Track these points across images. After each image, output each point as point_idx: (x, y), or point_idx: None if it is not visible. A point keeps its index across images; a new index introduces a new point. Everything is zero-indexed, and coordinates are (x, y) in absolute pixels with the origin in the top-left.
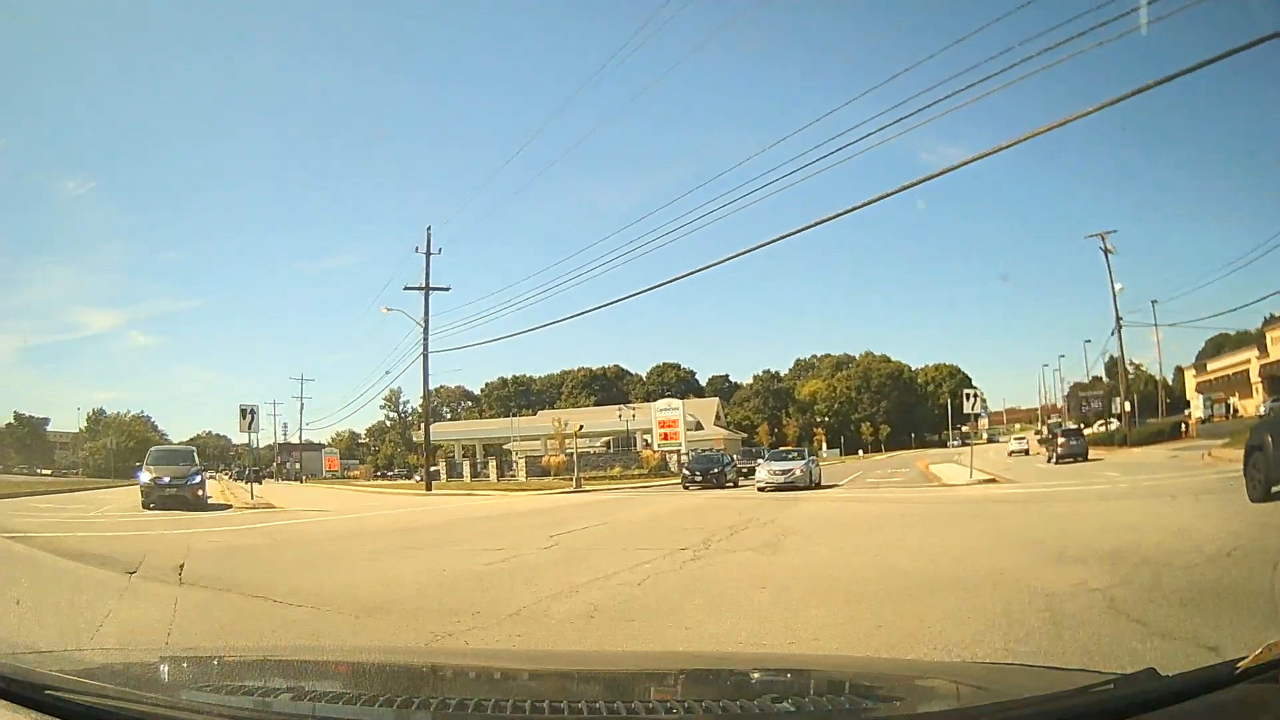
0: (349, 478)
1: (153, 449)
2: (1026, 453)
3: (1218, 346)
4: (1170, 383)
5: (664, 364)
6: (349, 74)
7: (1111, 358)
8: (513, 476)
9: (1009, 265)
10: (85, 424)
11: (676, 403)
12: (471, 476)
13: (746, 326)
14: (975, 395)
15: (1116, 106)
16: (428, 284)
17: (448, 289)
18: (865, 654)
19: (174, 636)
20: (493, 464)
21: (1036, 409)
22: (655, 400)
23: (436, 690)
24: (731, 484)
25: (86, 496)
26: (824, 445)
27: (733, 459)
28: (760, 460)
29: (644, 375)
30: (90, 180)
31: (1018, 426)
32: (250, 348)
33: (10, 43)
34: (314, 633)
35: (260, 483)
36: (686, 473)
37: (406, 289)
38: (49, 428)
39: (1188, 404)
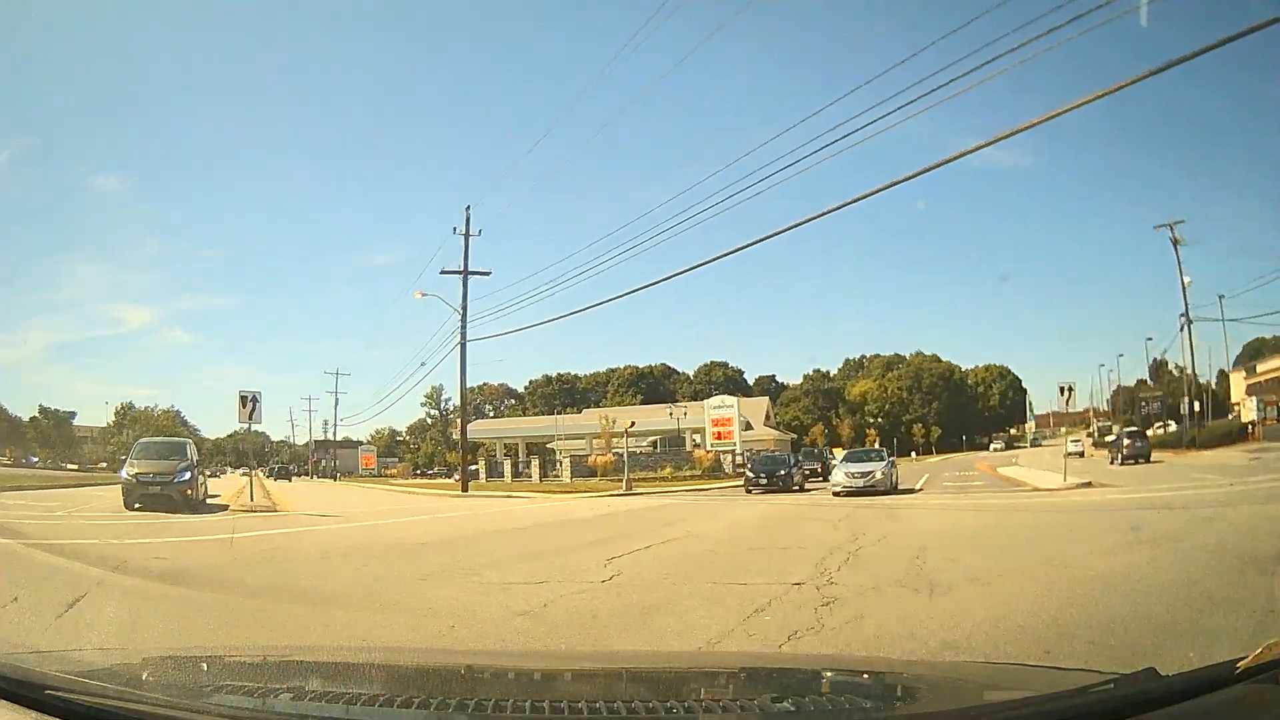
0: (386, 476)
1: (140, 441)
2: (1082, 454)
3: (1255, 351)
4: (1213, 386)
5: (711, 363)
6: (388, 68)
7: (1155, 360)
8: (556, 477)
9: (1048, 267)
10: (113, 418)
11: (731, 400)
12: (513, 476)
13: (791, 327)
14: (1069, 390)
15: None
16: (466, 267)
17: (488, 273)
18: None
19: None
20: (535, 463)
21: (1082, 411)
22: (703, 399)
23: (437, 690)
24: (798, 488)
25: (79, 494)
26: (878, 447)
27: (797, 460)
28: (835, 461)
29: (691, 374)
30: (127, 177)
31: (1063, 430)
32: (288, 344)
33: (44, 41)
34: None
35: (294, 480)
36: (750, 475)
37: (444, 273)
38: (76, 422)
39: (1232, 408)
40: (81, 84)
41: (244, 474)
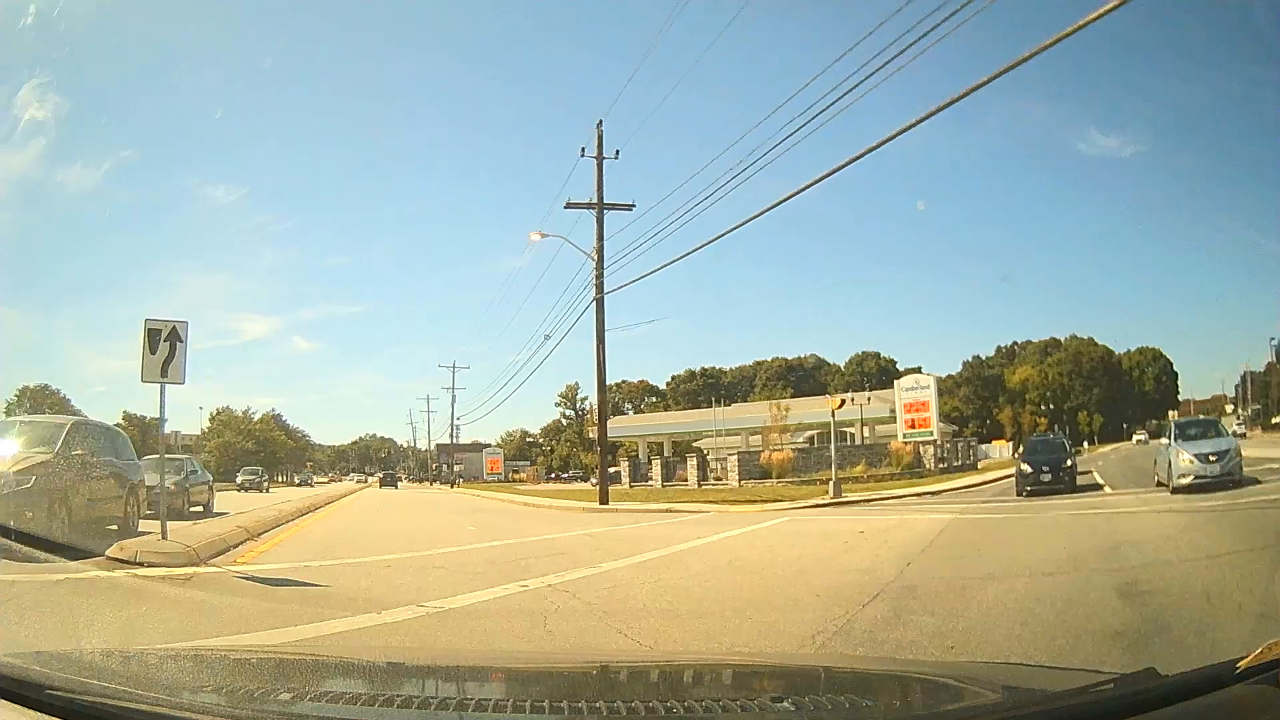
0: (514, 481)
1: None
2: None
3: None
4: None
5: (863, 353)
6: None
7: (1277, 346)
8: (718, 479)
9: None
10: (208, 424)
11: (926, 379)
12: (663, 480)
13: (939, 315)
14: None
15: None
16: (600, 198)
17: (630, 206)
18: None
19: None
20: (692, 464)
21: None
22: (855, 390)
23: (437, 690)
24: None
25: None
26: (1208, 416)
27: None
28: (1173, 442)
29: (842, 365)
30: (242, 186)
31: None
32: (413, 350)
33: (159, 52)
34: None
35: (400, 486)
36: (1025, 469)
37: (569, 206)
38: (167, 429)
39: None
40: (188, 95)
41: (358, 481)
